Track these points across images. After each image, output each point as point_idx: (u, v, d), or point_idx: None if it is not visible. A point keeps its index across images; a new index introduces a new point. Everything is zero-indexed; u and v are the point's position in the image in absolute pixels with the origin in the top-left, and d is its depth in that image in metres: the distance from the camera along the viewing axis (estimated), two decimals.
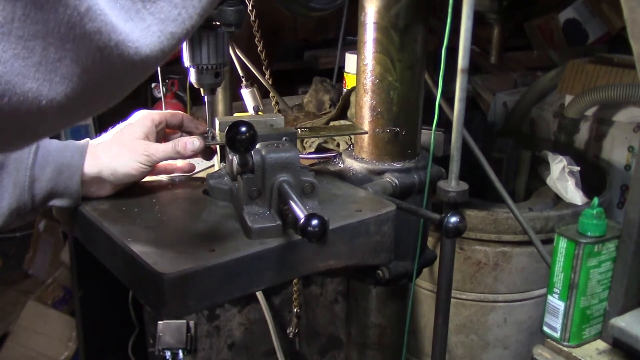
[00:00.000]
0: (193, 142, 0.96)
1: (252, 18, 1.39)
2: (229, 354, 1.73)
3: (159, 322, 1.38)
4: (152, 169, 0.97)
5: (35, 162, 0.89)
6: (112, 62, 0.44)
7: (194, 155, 0.98)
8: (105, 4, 0.43)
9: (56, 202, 0.91)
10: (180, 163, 1.06)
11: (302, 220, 0.74)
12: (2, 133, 0.43)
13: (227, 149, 0.92)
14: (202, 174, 1.08)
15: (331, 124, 1.52)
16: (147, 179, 1.01)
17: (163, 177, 1.06)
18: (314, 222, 0.73)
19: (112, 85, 0.47)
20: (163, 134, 1.03)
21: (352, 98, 1.48)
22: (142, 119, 0.98)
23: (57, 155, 0.90)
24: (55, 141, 0.92)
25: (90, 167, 0.91)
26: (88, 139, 0.96)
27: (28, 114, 0.42)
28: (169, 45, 0.48)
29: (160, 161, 0.96)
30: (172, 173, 1.06)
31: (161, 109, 1.25)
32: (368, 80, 1.11)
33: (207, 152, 1.02)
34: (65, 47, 0.41)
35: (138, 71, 0.47)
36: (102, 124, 0.88)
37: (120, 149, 0.93)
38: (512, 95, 2.09)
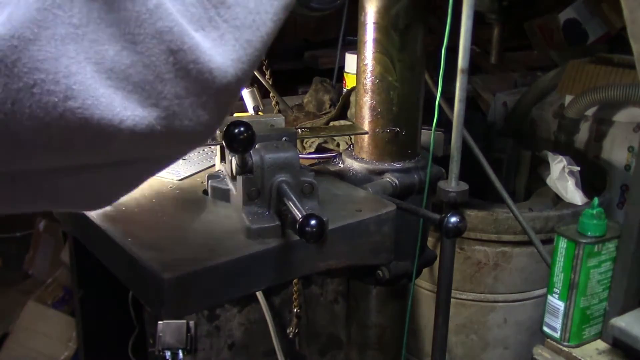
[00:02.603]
0: None
1: None
2: (229, 354, 1.73)
3: (159, 322, 1.38)
4: None
5: None
6: (187, 70, 0.41)
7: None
8: (176, 12, 0.41)
9: None
10: None
11: (300, 221, 0.74)
12: (72, 144, 0.41)
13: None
14: (202, 174, 1.08)
15: (331, 124, 1.52)
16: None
17: (165, 176, 1.06)
18: (312, 222, 0.73)
19: (193, 104, 0.43)
20: None
21: (352, 98, 1.48)
22: None
23: None
24: None
25: None
26: None
27: (100, 123, 0.40)
28: (246, 54, 0.44)
29: None
30: None
31: None
32: (368, 80, 1.11)
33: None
34: (136, 49, 0.40)
35: (218, 86, 0.43)
36: None
37: None
38: (512, 95, 2.09)
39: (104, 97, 0.39)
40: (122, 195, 0.50)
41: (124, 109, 0.40)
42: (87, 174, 0.45)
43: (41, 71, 0.37)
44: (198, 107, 0.44)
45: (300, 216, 0.74)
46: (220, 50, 0.43)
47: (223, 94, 0.45)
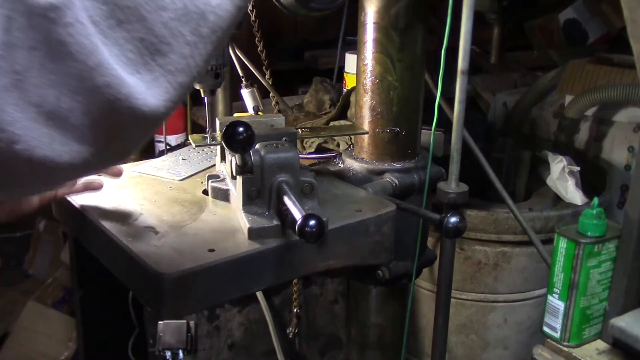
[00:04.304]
0: None
1: (252, 18, 1.39)
2: (229, 354, 1.73)
3: (159, 322, 1.38)
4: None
5: None
6: (121, 114, 0.45)
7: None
8: (113, 59, 0.44)
9: None
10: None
11: (299, 221, 0.74)
12: (16, 177, 0.44)
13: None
14: (202, 174, 1.08)
15: (331, 124, 1.52)
16: (149, 179, 1.01)
17: (166, 176, 1.05)
18: (312, 222, 0.73)
19: (124, 138, 0.48)
20: None
21: (352, 98, 1.48)
22: None
23: None
24: None
25: None
26: None
27: (42, 160, 0.43)
28: (177, 94, 0.48)
29: None
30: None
31: None
32: (368, 80, 1.11)
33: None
34: (76, 98, 0.42)
35: (148, 123, 0.47)
36: None
37: None
38: (512, 95, 2.09)
39: (45, 136, 0.42)
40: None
41: (63, 145, 0.44)
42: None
43: None
44: (129, 140, 0.49)
45: (299, 216, 0.74)
46: (153, 92, 0.46)
47: (152, 127, 0.49)
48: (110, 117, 0.44)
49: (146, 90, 0.45)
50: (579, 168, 1.53)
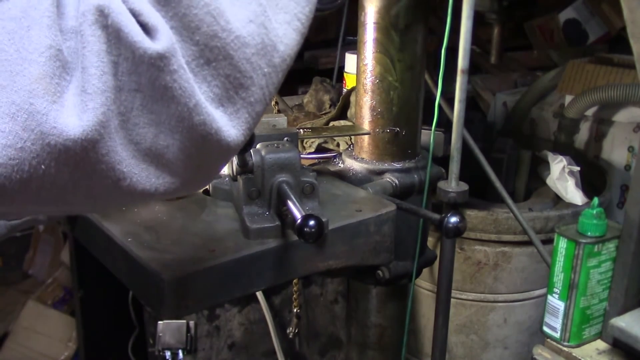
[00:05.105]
0: None
1: None
2: (229, 354, 1.73)
3: (159, 322, 1.38)
4: None
5: None
6: (210, 147, 0.48)
7: None
8: (203, 96, 0.46)
9: None
10: None
11: (298, 221, 0.74)
12: (114, 203, 0.50)
13: None
14: None
15: (331, 124, 1.52)
16: None
17: None
18: (311, 222, 0.73)
19: (208, 167, 0.51)
20: None
21: (352, 98, 1.48)
22: None
23: None
24: None
25: None
26: None
27: (141, 192, 0.47)
28: (254, 123, 0.51)
29: None
30: None
31: None
32: (368, 80, 1.11)
33: None
34: (174, 136, 0.46)
35: (231, 152, 0.50)
36: None
37: None
38: (512, 95, 2.09)
39: (144, 171, 0.46)
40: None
41: (157, 178, 0.47)
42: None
43: (102, 163, 0.43)
44: (213, 167, 0.52)
45: (299, 217, 0.74)
46: (235, 123, 0.49)
47: (233, 154, 0.53)
48: (200, 151, 0.48)
49: (229, 122, 0.48)
50: (579, 168, 1.53)
